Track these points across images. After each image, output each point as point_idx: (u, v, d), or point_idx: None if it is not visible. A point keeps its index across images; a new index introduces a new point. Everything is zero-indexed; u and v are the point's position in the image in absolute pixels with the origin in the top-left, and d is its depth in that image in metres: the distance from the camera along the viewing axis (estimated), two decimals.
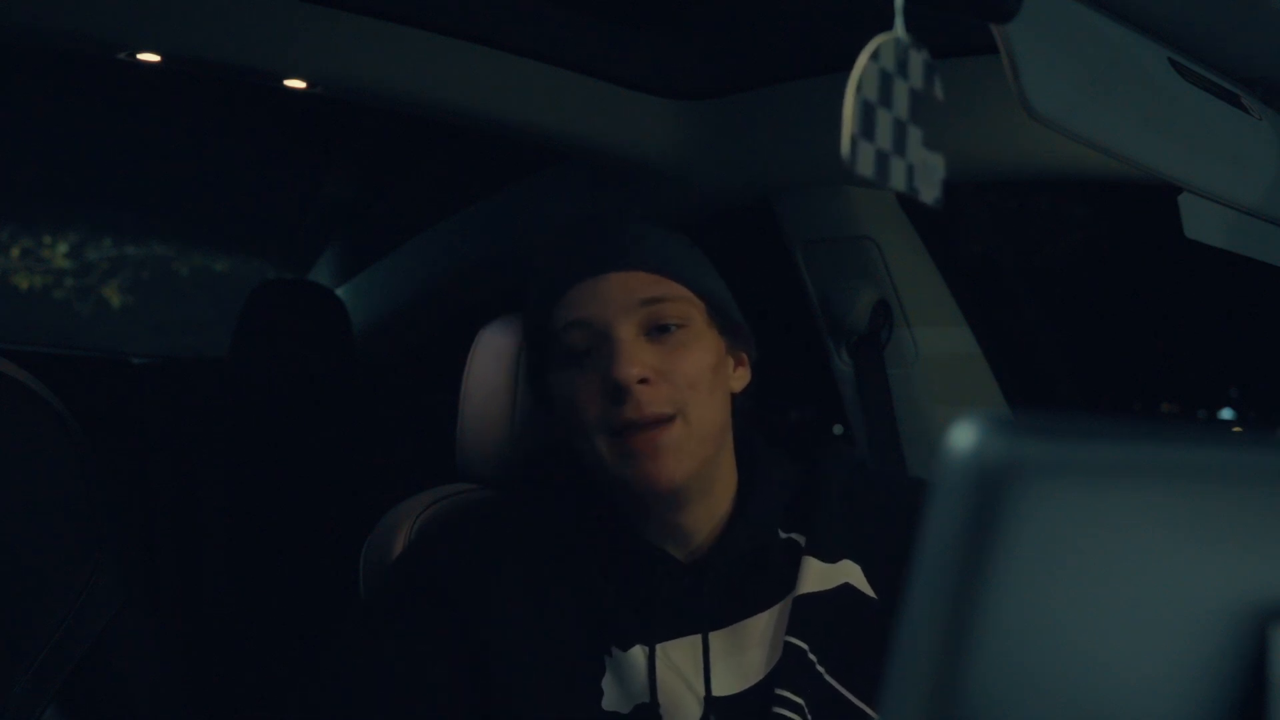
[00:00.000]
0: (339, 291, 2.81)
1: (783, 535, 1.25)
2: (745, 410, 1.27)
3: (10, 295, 2.99)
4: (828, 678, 1.19)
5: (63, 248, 3.05)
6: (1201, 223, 1.12)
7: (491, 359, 1.40)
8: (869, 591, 1.23)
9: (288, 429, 2.44)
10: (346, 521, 1.82)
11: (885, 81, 0.69)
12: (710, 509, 1.22)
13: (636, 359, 1.15)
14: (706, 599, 1.20)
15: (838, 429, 2.00)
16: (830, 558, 1.23)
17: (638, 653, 1.17)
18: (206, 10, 1.55)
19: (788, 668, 1.18)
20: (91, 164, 2.78)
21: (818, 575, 1.22)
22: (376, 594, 1.26)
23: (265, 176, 2.90)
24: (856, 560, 1.24)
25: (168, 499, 2.36)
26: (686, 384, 1.17)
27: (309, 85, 1.67)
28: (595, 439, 1.17)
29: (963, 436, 0.43)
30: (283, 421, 2.44)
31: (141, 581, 1.10)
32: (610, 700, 1.16)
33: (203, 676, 2.24)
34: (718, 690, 1.18)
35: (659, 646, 1.18)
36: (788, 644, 1.19)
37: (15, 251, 3.00)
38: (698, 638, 1.19)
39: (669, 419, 1.15)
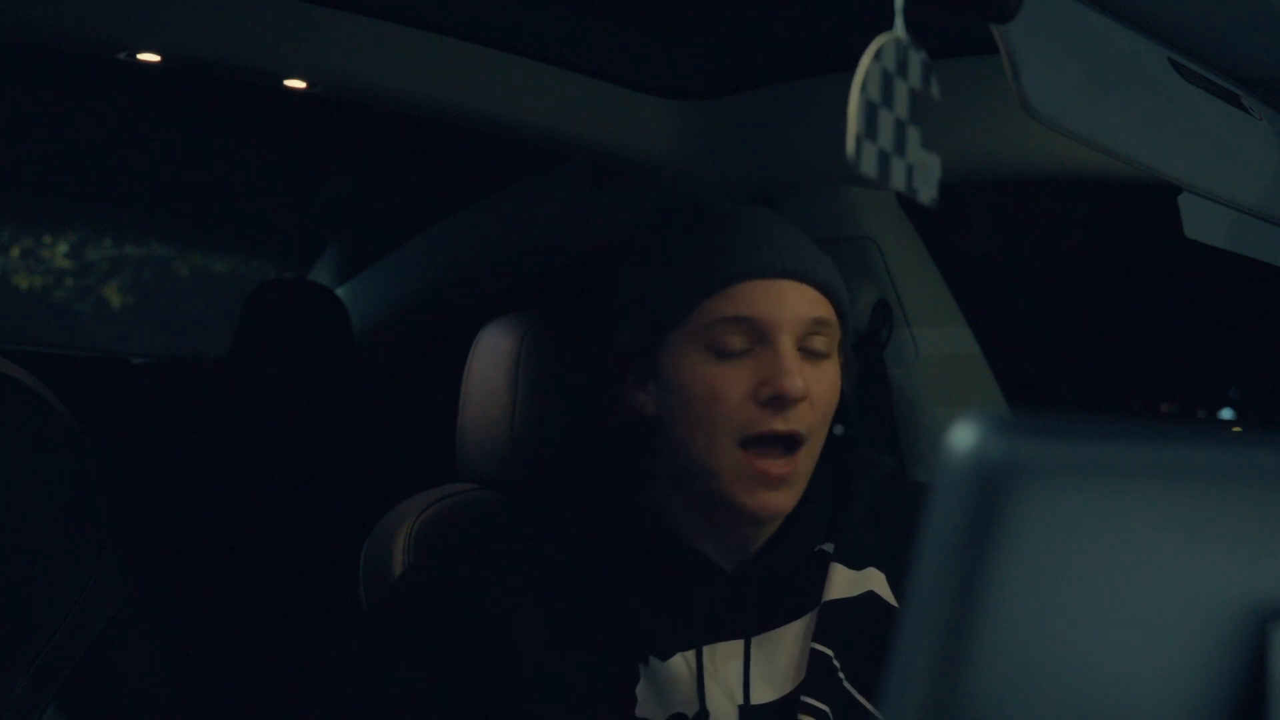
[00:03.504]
0: (339, 291, 2.81)
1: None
2: None
3: (10, 295, 2.99)
4: (846, 684, 1.17)
5: (63, 248, 3.05)
6: (1201, 223, 1.12)
7: (491, 359, 1.39)
8: (892, 600, 1.22)
9: (288, 429, 2.44)
10: (346, 521, 1.82)
11: (887, 81, 0.69)
12: (772, 524, 1.20)
13: (801, 374, 1.13)
14: (749, 607, 1.18)
15: (838, 429, 2.00)
16: (857, 565, 1.22)
17: (679, 661, 1.14)
18: (206, 10, 1.55)
19: (814, 675, 1.17)
20: (91, 164, 2.77)
21: (844, 582, 1.21)
22: (391, 609, 1.20)
23: (265, 176, 2.90)
24: (881, 568, 1.23)
25: (168, 499, 2.36)
26: (822, 411, 1.16)
27: (309, 85, 1.67)
28: (722, 442, 1.13)
29: (963, 436, 0.43)
30: (283, 421, 2.44)
31: (141, 581, 1.10)
32: (644, 708, 1.13)
33: (203, 676, 2.24)
34: (754, 699, 1.16)
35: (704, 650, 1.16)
36: (814, 651, 1.18)
37: (15, 251, 3.00)
38: (739, 644, 1.17)
39: (802, 442, 1.14)
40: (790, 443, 1.13)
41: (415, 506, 1.36)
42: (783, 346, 1.13)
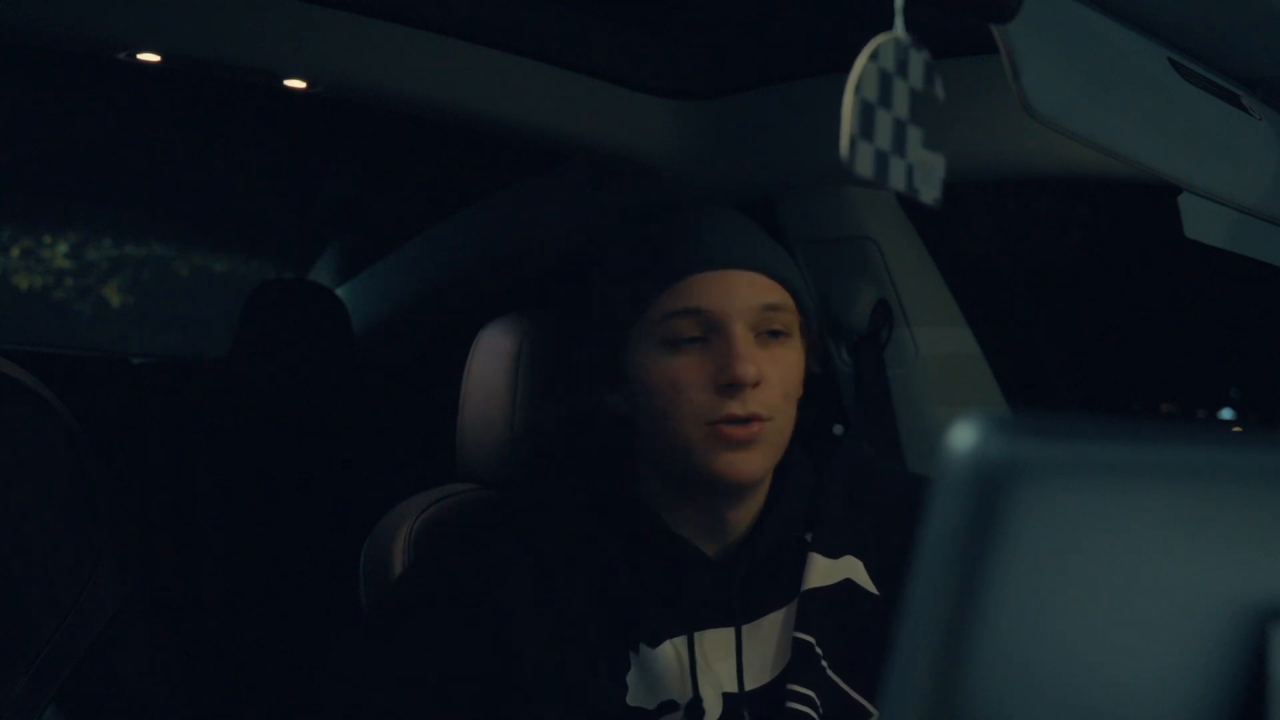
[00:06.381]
0: (339, 291, 2.81)
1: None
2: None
3: (10, 295, 2.99)
4: (829, 672, 1.20)
5: (63, 248, 3.05)
6: (1201, 223, 1.12)
7: (491, 359, 1.40)
8: (870, 587, 1.25)
9: (288, 429, 2.44)
10: (347, 521, 1.82)
11: (885, 82, 0.69)
12: (751, 506, 1.24)
13: (754, 359, 1.17)
14: (736, 594, 1.21)
15: (838, 429, 2.00)
16: (833, 553, 1.25)
17: (669, 648, 1.18)
18: (206, 10, 1.55)
19: (798, 663, 1.20)
20: (91, 164, 2.77)
21: (821, 571, 1.24)
22: (393, 599, 1.24)
23: (265, 176, 2.90)
24: (858, 556, 1.26)
25: (168, 499, 2.36)
26: (783, 392, 1.20)
27: (309, 85, 1.67)
28: (688, 424, 1.18)
29: (963, 436, 0.43)
30: (283, 421, 2.44)
31: (141, 581, 1.10)
32: (635, 696, 1.17)
33: (202, 676, 2.24)
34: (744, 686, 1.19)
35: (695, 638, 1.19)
36: (796, 639, 1.21)
37: (15, 251, 3.00)
38: (730, 631, 1.20)
39: (764, 420, 1.18)
40: (750, 424, 1.17)
41: (415, 506, 1.37)
42: (734, 333, 1.18)
